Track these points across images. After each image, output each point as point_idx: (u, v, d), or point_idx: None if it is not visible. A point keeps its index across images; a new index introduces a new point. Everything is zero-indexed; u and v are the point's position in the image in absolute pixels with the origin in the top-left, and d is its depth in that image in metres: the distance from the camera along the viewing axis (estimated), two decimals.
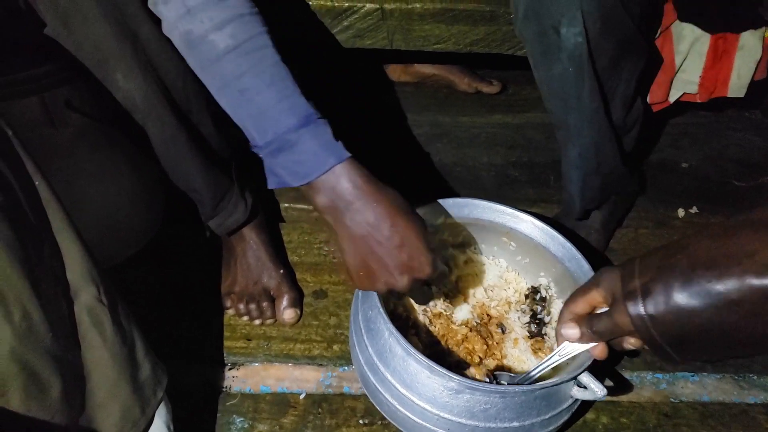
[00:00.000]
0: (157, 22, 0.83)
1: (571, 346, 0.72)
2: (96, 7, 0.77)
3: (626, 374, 1.03)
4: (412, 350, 0.77)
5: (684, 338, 0.56)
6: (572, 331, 0.68)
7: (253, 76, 0.72)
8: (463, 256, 1.05)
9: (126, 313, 0.69)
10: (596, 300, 0.66)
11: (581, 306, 0.68)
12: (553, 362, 0.77)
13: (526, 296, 1.01)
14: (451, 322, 0.96)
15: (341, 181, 0.72)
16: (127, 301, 0.70)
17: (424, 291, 0.80)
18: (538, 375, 0.80)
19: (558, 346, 0.74)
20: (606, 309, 0.65)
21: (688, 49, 1.18)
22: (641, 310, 0.58)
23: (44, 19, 0.78)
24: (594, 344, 0.69)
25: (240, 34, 0.72)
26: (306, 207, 1.29)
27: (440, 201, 0.98)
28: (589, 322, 0.67)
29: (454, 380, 0.75)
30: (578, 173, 1.10)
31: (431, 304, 0.96)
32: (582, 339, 0.68)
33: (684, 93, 1.23)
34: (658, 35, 1.16)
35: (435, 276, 0.77)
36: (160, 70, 0.87)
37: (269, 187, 0.76)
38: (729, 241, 0.53)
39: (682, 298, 0.55)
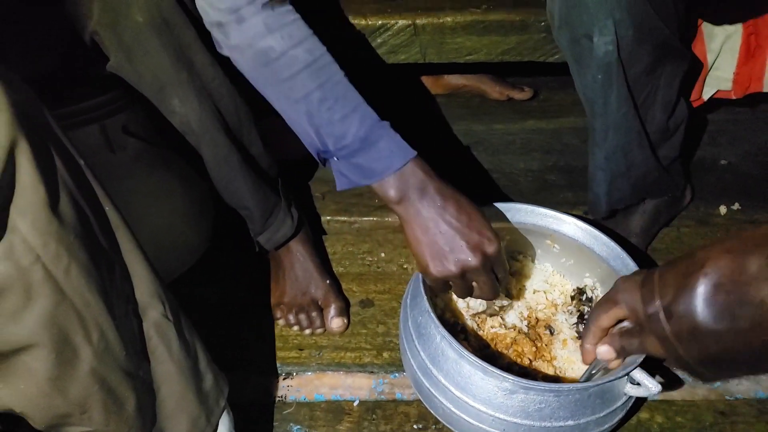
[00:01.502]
0: (210, 50, 0.88)
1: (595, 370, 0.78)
2: (156, 40, 0.82)
3: (678, 373, 1.03)
4: (465, 352, 0.79)
5: (712, 359, 0.56)
6: (606, 351, 0.72)
7: (330, 87, 0.79)
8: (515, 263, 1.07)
9: (189, 327, 0.73)
10: (619, 315, 0.69)
11: (606, 321, 0.70)
12: (592, 376, 0.80)
13: (572, 297, 1.02)
14: (500, 325, 0.97)
15: (414, 174, 0.79)
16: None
17: (492, 282, 0.83)
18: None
19: (585, 364, 0.78)
20: (629, 325, 0.68)
21: (720, 46, 1.19)
22: (667, 333, 0.59)
23: (108, 53, 0.83)
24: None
25: (315, 50, 0.80)
26: (347, 219, 1.32)
27: (484, 208, 0.99)
28: (619, 341, 0.70)
29: (508, 380, 0.77)
30: (604, 174, 1.11)
31: (479, 305, 0.98)
32: (619, 359, 0.72)
33: (718, 90, 1.24)
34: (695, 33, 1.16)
35: (501, 268, 0.83)
36: (213, 95, 0.91)
37: (339, 188, 0.82)
38: (748, 261, 0.53)
39: (705, 322, 0.55)
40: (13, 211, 0.48)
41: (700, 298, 0.55)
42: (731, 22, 1.12)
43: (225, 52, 0.83)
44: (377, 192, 0.80)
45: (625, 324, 0.69)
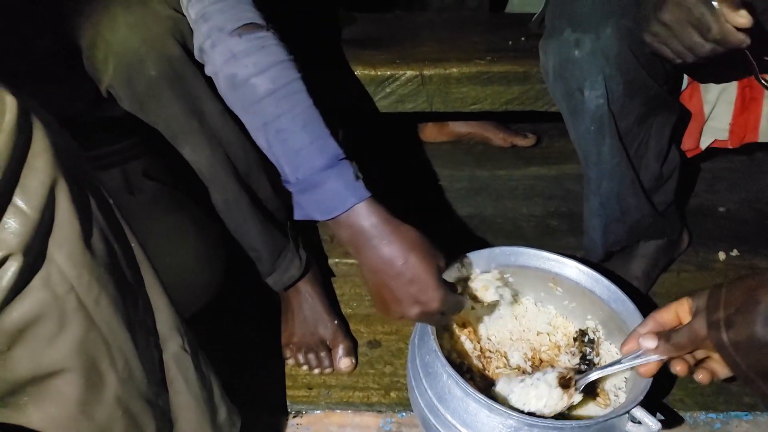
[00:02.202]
0: (219, 99, 0.93)
1: (630, 358, 0.79)
2: (169, 92, 0.87)
3: (680, 414, 1.04)
4: (471, 390, 0.81)
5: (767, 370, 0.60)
6: (650, 341, 0.74)
7: (290, 118, 0.79)
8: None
9: (205, 360, 0.76)
10: (682, 312, 0.72)
11: (666, 316, 0.74)
12: (612, 370, 0.83)
13: (575, 339, 1.04)
14: (505, 366, 0.99)
15: (360, 219, 0.79)
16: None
17: (437, 322, 0.86)
18: (593, 378, 0.87)
19: (624, 353, 0.79)
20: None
21: (716, 98, 1.23)
22: (723, 338, 0.63)
23: (122, 106, 0.87)
24: (659, 359, 0.75)
25: (279, 78, 0.79)
26: (355, 262, 1.34)
27: (488, 250, 1.03)
28: (667, 334, 0.73)
29: (513, 417, 0.79)
30: (599, 220, 1.15)
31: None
32: (656, 350, 0.74)
33: (715, 139, 1.28)
34: (685, 87, 1.21)
35: (449, 309, 0.84)
36: (223, 142, 0.95)
37: (295, 218, 0.83)
38: None
39: (763, 333, 0.59)
40: (51, 244, 0.52)
41: (763, 311, 0.60)
42: (718, 82, 1.17)
43: (209, 74, 0.85)
44: (331, 229, 0.82)
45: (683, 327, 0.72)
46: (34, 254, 0.51)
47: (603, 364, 1.00)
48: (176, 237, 1.09)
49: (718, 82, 1.17)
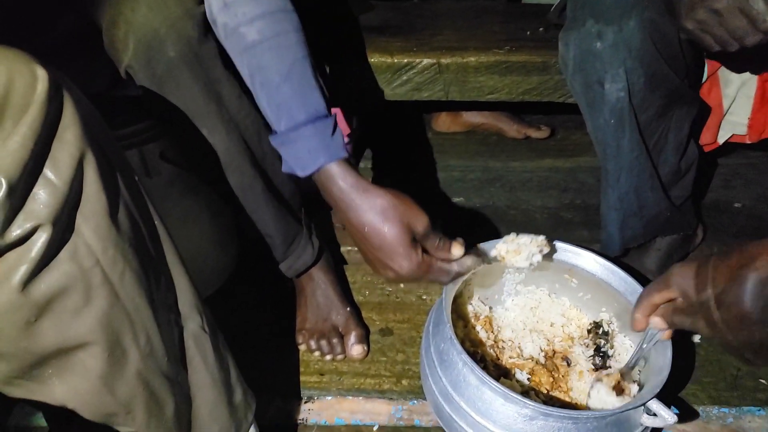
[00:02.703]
0: (237, 82, 0.93)
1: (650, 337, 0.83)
2: (188, 74, 0.87)
3: (694, 407, 1.04)
4: (487, 378, 0.81)
5: (758, 345, 0.62)
6: (659, 321, 0.77)
7: (274, 71, 0.79)
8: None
9: (222, 341, 0.76)
10: (670, 296, 0.74)
11: (657, 298, 0.76)
12: (646, 348, 0.86)
13: (589, 331, 1.04)
14: (519, 356, 0.99)
15: (330, 181, 0.79)
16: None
17: (434, 277, 0.85)
18: (634, 362, 0.89)
19: (635, 330, 0.82)
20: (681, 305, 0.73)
21: (735, 92, 1.22)
22: (716, 319, 0.65)
23: (140, 86, 0.87)
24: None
25: (267, 30, 0.79)
26: None
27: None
28: (671, 316, 0.75)
29: (529, 406, 0.79)
30: (617, 214, 1.14)
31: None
32: (664, 327, 0.77)
33: (733, 134, 1.27)
34: (704, 80, 1.20)
35: (461, 268, 0.86)
36: (240, 126, 0.95)
37: (282, 170, 0.83)
38: None
39: (753, 312, 0.61)
40: (78, 217, 0.52)
41: (749, 290, 0.61)
42: (742, 71, 1.16)
43: (210, 22, 0.85)
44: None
45: (678, 302, 0.74)
46: (63, 226, 0.51)
47: (617, 357, 1.00)
48: (191, 220, 1.09)
49: (742, 72, 1.15)
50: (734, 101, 1.24)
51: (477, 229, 1.41)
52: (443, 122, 1.73)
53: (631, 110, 1.01)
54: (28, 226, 0.49)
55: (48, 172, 0.50)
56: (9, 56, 0.50)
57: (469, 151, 1.69)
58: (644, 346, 0.86)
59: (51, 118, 0.50)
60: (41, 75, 0.50)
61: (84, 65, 0.91)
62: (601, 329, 1.02)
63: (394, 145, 1.72)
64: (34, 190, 0.49)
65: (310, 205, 1.17)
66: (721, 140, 1.28)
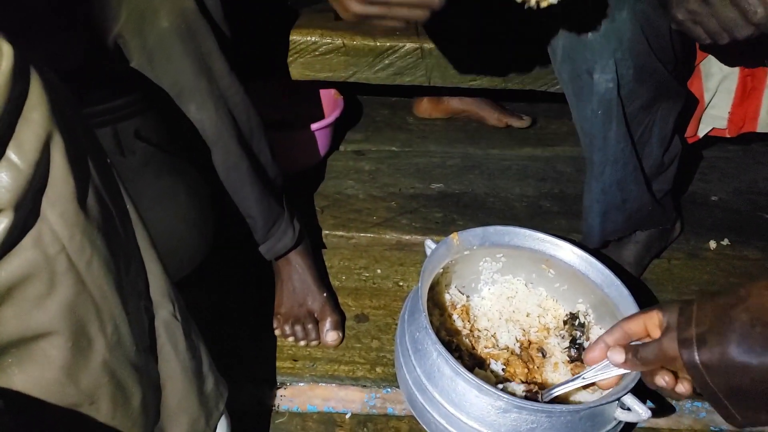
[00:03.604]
0: (228, 59, 0.90)
1: (595, 371, 0.77)
2: (179, 46, 0.85)
3: (668, 401, 1.05)
4: (462, 369, 0.80)
5: (737, 391, 0.57)
6: (618, 355, 0.70)
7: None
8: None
9: (194, 329, 0.74)
10: (651, 325, 0.68)
11: (635, 327, 0.70)
12: (577, 384, 0.82)
13: (565, 322, 1.04)
14: (494, 346, 0.99)
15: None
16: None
17: None
18: (557, 393, 0.85)
19: (588, 366, 0.77)
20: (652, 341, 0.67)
21: (716, 86, 1.22)
22: (695, 357, 0.59)
23: (129, 56, 0.85)
24: (622, 372, 0.72)
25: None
26: (345, 234, 1.34)
27: (482, 228, 1.02)
28: (635, 348, 0.69)
29: (502, 399, 0.79)
30: (599, 207, 1.14)
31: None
32: (625, 364, 0.70)
33: (713, 128, 1.27)
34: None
35: None
36: (228, 103, 0.93)
37: None
38: None
39: (737, 353, 0.56)
40: (44, 202, 0.50)
41: (737, 330, 0.56)
42: (733, 65, 1.16)
43: None
44: None
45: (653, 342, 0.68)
46: (26, 211, 0.48)
47: None
48: (166, 201, 1.06)
49: (733, 65, 1.15)
50: (715, 95, 1.24)
51: (456, 216, 1.40)
52: (425, 108, 1.72)
53: (618, 102, 1.00)
54: None
55: (11, 154, 0.47)
56: None
57: (449, 137, 1.68)
58: (579, 381, 0.81)
59: (16, 97, 0.47)
60: (6, 51, 0.47)
61: (56, 39, 0.88)
62: (578, 321, 1.02)
63: (374, 128, 1.71)
64: None
65: (292, 187, 1.16)
66: (701, 133, 1.28)
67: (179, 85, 0.88)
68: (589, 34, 0.95)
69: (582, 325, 1.01)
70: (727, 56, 1.15)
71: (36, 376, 0.55)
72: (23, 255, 0.50)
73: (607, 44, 0.95)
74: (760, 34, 0.81)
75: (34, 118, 0.49)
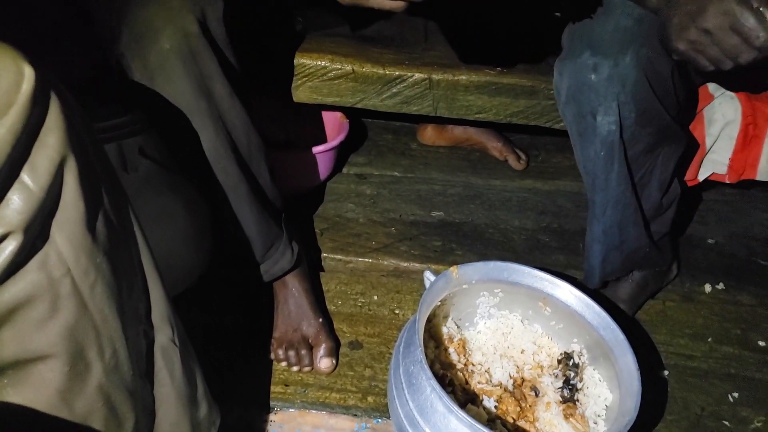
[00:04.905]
0: (230, 80, 0.91)
1: None
2: (180, 68, 0.85)
3: None
4: (455, 407, 0.80)
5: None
6: None
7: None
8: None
9: (192, 353, 0.74)
10: None
11: None
12: None
13: (559, 361, 1.04)
14: (487, 382, 0.99)
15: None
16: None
17: None
18: None
19: None
20: None
21: (719, 132, 1.24)
22: None
23: (131, 76, 0.85)
24: None
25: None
26: (343, 258, 1.34)
27: (482, 263, 1.02)
28: None
29: None
30: (600, 248, 1.14)
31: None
32: None
33: (713, 173, 1.29)
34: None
35: None
36: (228, 125, 0.94)
37: None
38: None
39: None
40: (53, 224, 0.50)
41: None
42: (738, 90, 1.17)
43: None
44: None
45: None
46: (35, 234, 0.49)
47: (585, 390, 1.00)
48: (165, 219, 1.06)
49: (738, 90, 1.16)
50: (717, 140, 1.25)
51: (455, 245, 1.40)
52: (429, 135, 1.72)
53: (621, 144, 1.01)
54: None
55: (25, 176, 0.48)
56: None
57: (451, 165, 1.69)
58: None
59: (34, 121, 0.48)
60: (28, 74, 0.48)
61: (64, 55, 0.88)
62: (572, 361, 1.02)
63: (377, 152, 1.71)
64: (9, 195, 0.47)
65: (292, 208, 1.16)
66: (701, 177, 1.29)
67: (179, 107, 0.88)
68: (593, 76, 0.96)
69: (576, 366, 1.01)
70: (730, 81, 1.17)
71: (30, 399, 0.54)
72: (28, 277, 0.50)
73: (610, 87, 0.96)
74: (764, 58, 0.81)
75: (50, 142, 0.49)
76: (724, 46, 0.82)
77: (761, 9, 0.78)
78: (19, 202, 0.47)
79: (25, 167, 0.48)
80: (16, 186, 0.47)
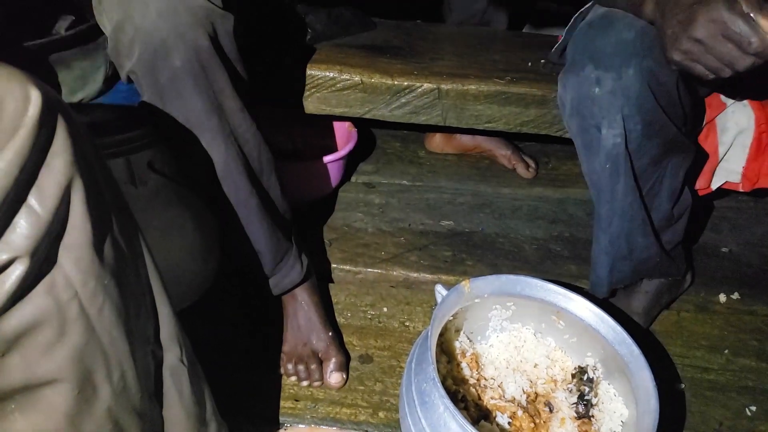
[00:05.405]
0: (240, 94, 0.90)
1: None
2: (192, 84, 0.84)
3: None
4: (469, 426, 0.79)
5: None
6: None
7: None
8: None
9: (200, 372, 0.73)
10: None
11: None
12: None
13: (573, 376, 1.02)
14: (500, 397, 0.97)
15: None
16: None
17: None
18: None
19: None
20: None
21: (732, 140, 1.22)
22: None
23: (141, 93, 0.84)
24: None
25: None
26: (352, 269, 1.33)
27: (494, 276, 1.01)
28: None
29: None
30: (607, 258, 1.13)
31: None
32: None
33: (726, 181, 1.27)
34: (702, 126, 1.20)
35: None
36: (239, 139, 0.93)
37: None
38: None
39: None
40: (61, 248, 0.49)
41: None
42: (744, 98, 1.15)
43: None
44: None
45: None
46: (42, 258, 0.48)
47: (600, 405, 0.98)
48: (174, 232, 1.05)
49: (745, 98, 1.15)
50: (730, 149, 1.23)
51: (465, 255, 1.39)
52: (437, 144, 1.71)
53: (627, 156, 1.00)
54: (5, 257, 0.46)
55: (32, 200, 0.47)
56: (2, 74, 0.47)
57: (460, 173, 1.68)
58: None
59: (41, 144, 0.47)
60: (35, 97, 0.47)
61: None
62: (586, 375, 1.00)
63: (386, 160, 1.70)
64: (16, 219, 0.46)
65: (300, 218, 1.15)
66: (714, 186, 1.28)
67: (190, 122, 0.88)
68: (596, 89, 0.95)
69: (591, 380, 1.00)
70: (737, 90, 1.15)
71: (38, 424, 0.53)
72: (35, 302, 0.49)
73: (614, 100, 0.95)
74: (764, 62, 0.80)
75: (57, 165, 0.48)
76: (718, 55, 0.80)
77: (751, 14, 0.77)
78: (26, 226, 0.46)
79: (33, 190, 0.47)
80: (23, 210, 0.46)
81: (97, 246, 0.51)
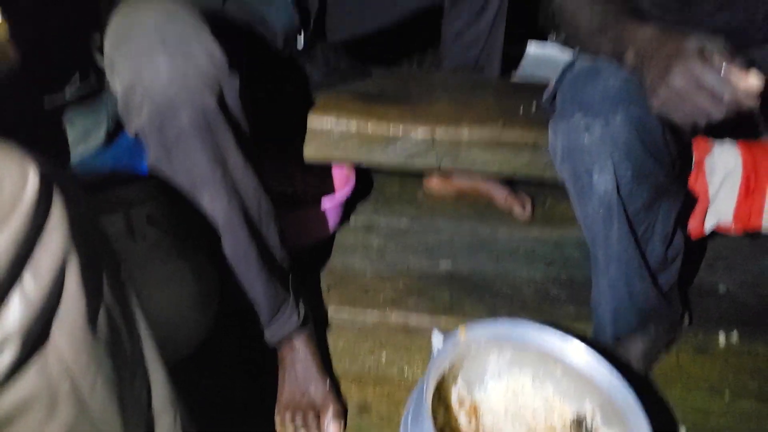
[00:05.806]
0: (243, 149, 0.92)
1: None
2: (198, 142, 0.86)
3: None
4: None
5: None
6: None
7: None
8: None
9: None
10: None
11: None
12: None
13: (571, 424, 1.02)
14: None
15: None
16: None
17: None
18: None
19: None
20: None
21: (720, 181, 1.23)
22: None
23: (148, 150, 0.86)
24: None
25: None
26: (350, 314, 1.33)
27: (491, 322, 1.01)
28: None
29: None
30: (608, 304, 1.14)
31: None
32: None
33: (719, 223, 1.28)
34: (690, 171, 1.21)
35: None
36: (241, 192, 0.95)
37: None
38: None
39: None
40: (53, 324, 0.50)
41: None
42: (733, 139, 1.18)
43: None
44: None
45: None
46: (34, 337, 0.48)
47: None
48: (172, 285, 1.06)
49: (734, 139, 1.17)
50: (720, 189, 1.24)
51: (464, 298, 1.40)
52: (435, 185, 1.73)
53: (619, 202, 1.01)
54: None
55: (27, 278, 0.47)
56: (0, 153, 0.48)
57: (458, 213, 1.68)
58: None
59: (38, 222, 0.48)
60: (32, 176, 0.48)
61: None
62: (584, 424, 1.00)
63: (384, 201, 1.71)
64: (10, 298, 0.47)
65: (299, 263, 1.15)
66: (707, 230, 1.28)
67: (194, 178, 0.90)
68: (586, 136, 0.96)
69: (588, 431, 0.99)
70: (721, 132, 1.17)
71: None
72: (26, 381, 0.48)
73: (603, 147, 0.96)
74: (742, 111, 0.81)
75: (53, 241, 0.49)
76: (693, 104, 0.82)
77: (723, 65, 0.79)
78: (19, 306, 0.47)
79: (28, 268, 0.48)
80: (17, 289, 0.47)
81: (91, 319, 0.52)
